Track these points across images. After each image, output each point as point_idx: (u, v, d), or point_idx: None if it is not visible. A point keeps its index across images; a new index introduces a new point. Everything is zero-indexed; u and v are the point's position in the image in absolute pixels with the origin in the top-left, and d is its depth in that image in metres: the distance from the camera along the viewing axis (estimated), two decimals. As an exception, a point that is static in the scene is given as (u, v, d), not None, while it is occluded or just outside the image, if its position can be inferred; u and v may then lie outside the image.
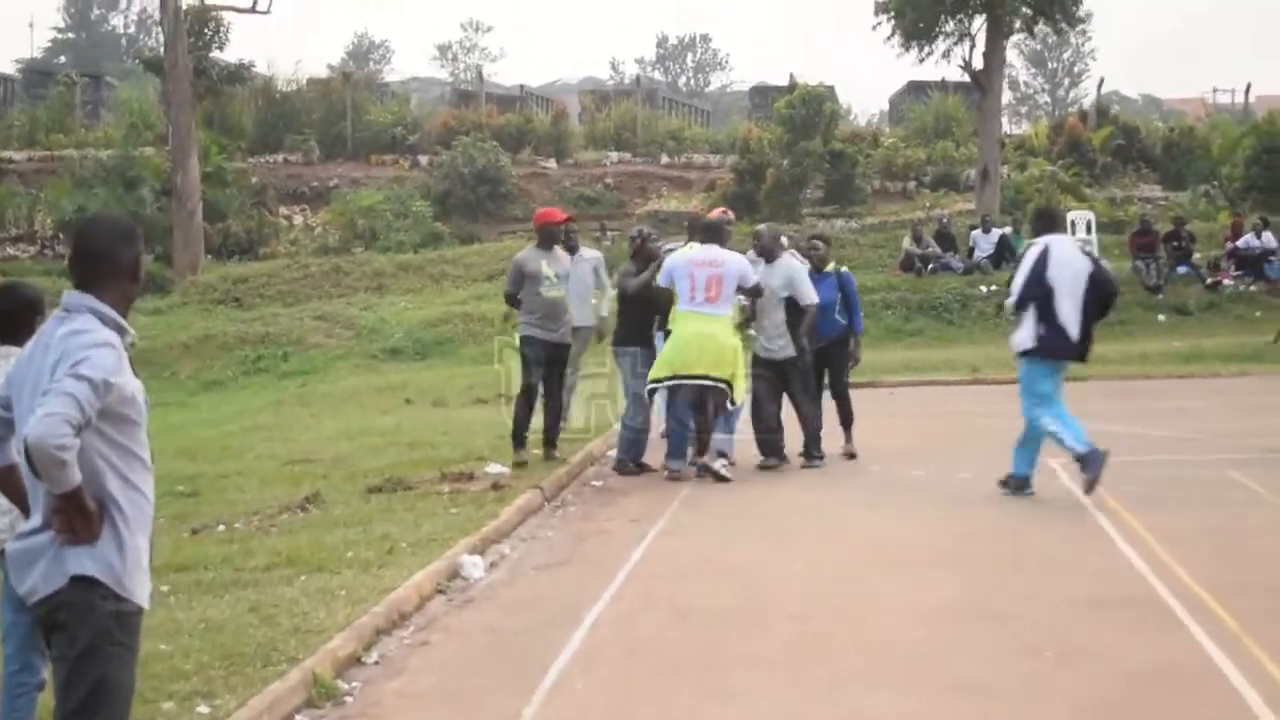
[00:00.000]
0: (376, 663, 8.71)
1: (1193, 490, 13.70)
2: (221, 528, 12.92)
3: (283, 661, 8.26)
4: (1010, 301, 13.57)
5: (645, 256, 15.88)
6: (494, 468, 15.13)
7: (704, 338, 14.65)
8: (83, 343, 5.30)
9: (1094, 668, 8.09)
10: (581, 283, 17.04)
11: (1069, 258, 13.36)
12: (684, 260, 14.98)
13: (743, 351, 15.05)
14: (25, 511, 5.66)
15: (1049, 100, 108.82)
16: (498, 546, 11.94)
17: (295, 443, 19.26)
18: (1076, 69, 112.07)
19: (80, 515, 5.26)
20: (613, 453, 16.45)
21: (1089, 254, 14.49)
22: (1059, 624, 9.05)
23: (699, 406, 14.74)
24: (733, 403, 14.85)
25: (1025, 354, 13.32)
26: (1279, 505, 13.00)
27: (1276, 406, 20.51)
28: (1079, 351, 13.38)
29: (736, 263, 14.98)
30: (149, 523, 5.63)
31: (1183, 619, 9.05)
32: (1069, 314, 13.13)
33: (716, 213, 18.02)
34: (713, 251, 14.96)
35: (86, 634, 5.34)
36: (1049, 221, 14.08)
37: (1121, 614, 9.28)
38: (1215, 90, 68.97)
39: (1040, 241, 13.50)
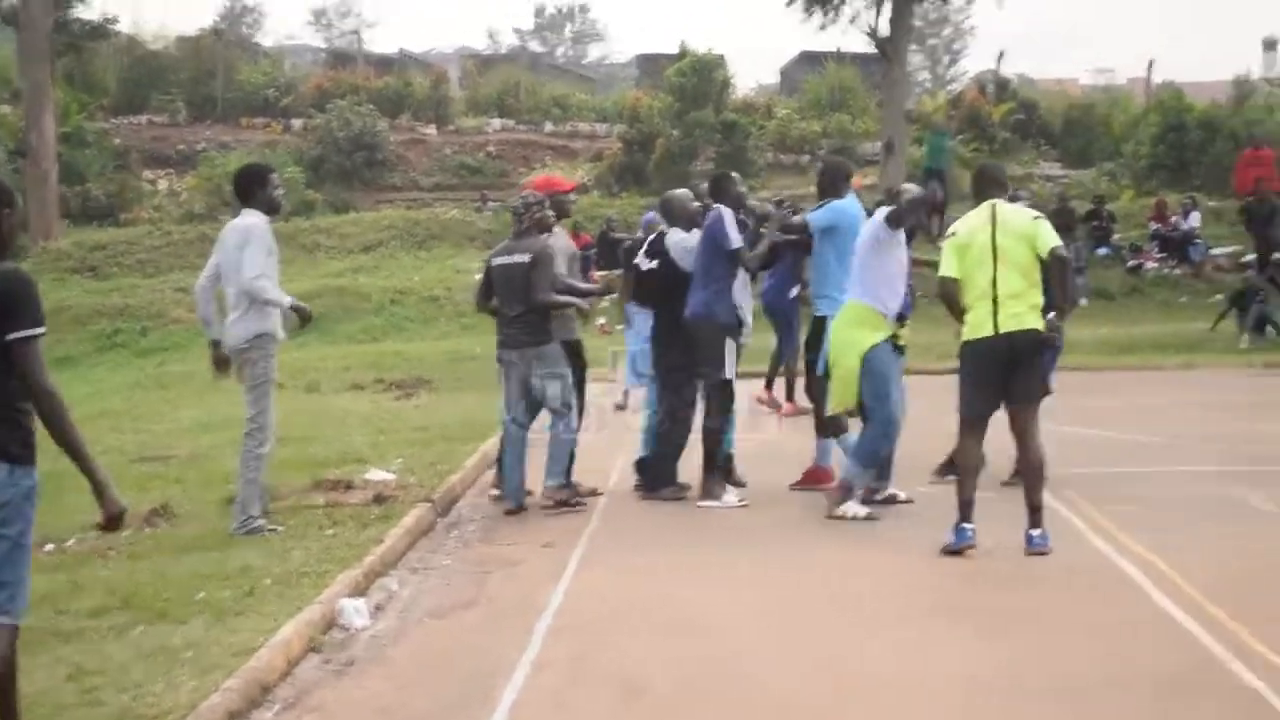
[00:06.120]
0: (229, 763, 6.54)
1: (1199, 512, 11.57)
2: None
3: (103, 767, 6.13)
4: None
5: (541, 226, 12.60)
6: (376, 474, 13.03)
7: None
8: None
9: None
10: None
11: None
12: None
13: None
14: None
15: (929, 77, 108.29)
16: (384, 581, 9.79)
17: (148, 434, 17.13)
18: (956, 46, 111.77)
19: None
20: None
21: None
22: (1119, 708, 6.93)
23: None
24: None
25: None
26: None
27: (1244, 405, 18.82)
28: None
29: None
30: None
31: (1270, 701, 6.95)
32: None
33: None
34: None
35: None
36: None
37: (1190, 695, 7.11)
38: (1099, 70, 68.35)
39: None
